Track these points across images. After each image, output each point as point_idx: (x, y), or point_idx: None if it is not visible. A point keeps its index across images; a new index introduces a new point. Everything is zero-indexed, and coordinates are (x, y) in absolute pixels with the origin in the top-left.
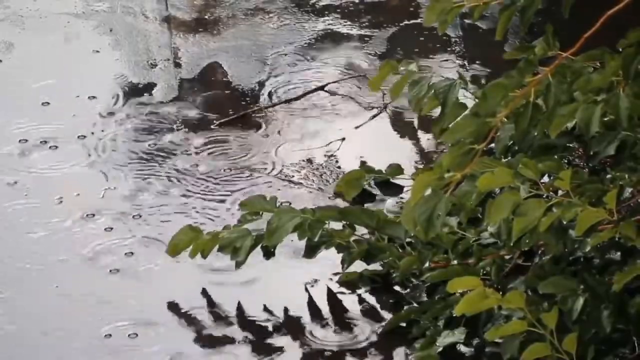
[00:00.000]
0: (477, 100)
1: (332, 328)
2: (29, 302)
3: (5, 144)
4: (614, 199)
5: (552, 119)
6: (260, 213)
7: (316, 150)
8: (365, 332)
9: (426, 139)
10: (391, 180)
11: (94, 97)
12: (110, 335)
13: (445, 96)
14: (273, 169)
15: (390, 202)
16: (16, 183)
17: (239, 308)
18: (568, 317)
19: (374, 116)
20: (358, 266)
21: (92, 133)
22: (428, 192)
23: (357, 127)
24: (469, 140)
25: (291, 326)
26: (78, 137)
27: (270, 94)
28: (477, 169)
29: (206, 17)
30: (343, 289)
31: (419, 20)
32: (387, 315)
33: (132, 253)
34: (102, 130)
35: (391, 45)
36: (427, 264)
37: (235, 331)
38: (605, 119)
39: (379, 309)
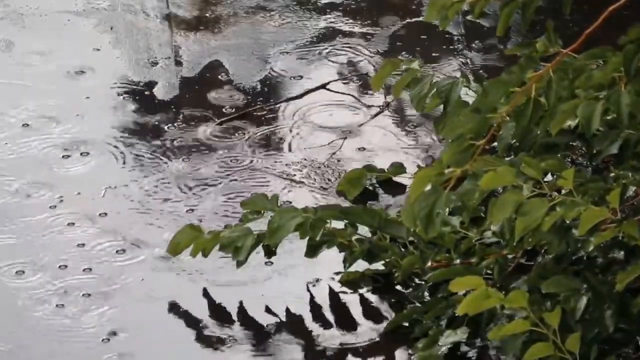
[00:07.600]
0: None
1: (333, 328)
2: None
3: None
4: (617, 198)
5: (554, 116)
6: (262, 212)
7: (318, 148)
8: (367, 331)
9: (428, 138)
10: (393, 179)
11: (94, 96)
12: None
13: (447, 94)
14: (274, 168)
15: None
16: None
17: (240, 308)
18: (571, 317)
19: (376, 114)
20: (360, 265)
21: (93, 132)
22: (428, 188)
23: (359, 126)
24: (469, 136)
25: (292, 326)
26: (79, 136)
27: (271, 93)
28: (479, 167)
29: (207, 15)
30: (345, 289)
31: (420, 18)
32: (389, 315)
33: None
34: (102, 130)
35: (393, 43)
36: (429, 264)
37: (235, 331)
38: (608, 118)
39: (380, 309)
